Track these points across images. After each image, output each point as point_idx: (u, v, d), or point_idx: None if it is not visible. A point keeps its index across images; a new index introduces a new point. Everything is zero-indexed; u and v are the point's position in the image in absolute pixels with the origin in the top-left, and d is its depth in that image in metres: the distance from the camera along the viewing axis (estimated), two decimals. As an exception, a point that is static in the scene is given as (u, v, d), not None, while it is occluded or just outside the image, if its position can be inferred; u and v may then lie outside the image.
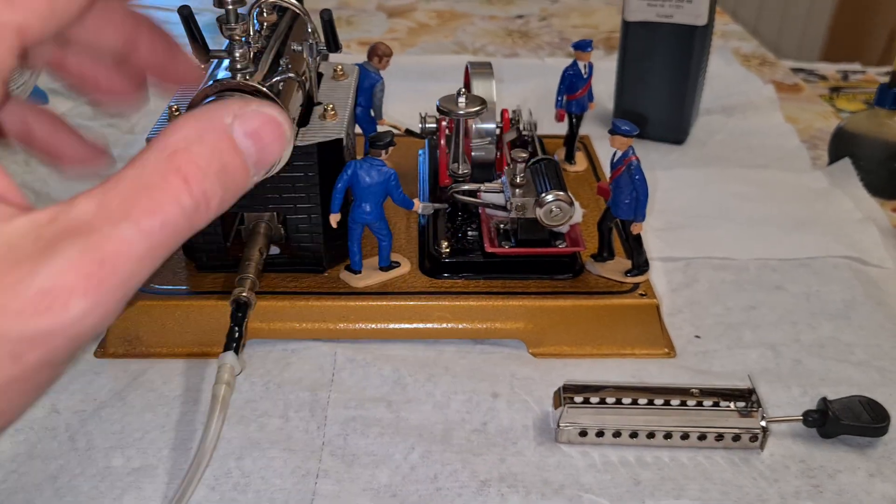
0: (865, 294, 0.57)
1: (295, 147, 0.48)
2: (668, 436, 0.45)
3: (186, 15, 0.46)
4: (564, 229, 0.53)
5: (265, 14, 0.53)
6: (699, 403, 0.45)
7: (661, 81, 0.76)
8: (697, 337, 0.54)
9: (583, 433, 0.45)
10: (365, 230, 0.52)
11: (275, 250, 0.54)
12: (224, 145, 0.26)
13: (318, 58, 0.54)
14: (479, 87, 0.58)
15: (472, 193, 0.55)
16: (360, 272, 0.53)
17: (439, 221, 0.57)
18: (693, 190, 0.71)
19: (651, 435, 0.45)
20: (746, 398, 0.45)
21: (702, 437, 0.45)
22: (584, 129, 0.70)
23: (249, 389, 0.48)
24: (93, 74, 0.36)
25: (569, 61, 0.66)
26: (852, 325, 0.55)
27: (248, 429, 0.46)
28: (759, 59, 1.04)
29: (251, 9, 0.50)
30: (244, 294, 0.47)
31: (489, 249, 0.53)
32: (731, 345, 0.53)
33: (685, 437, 0.45)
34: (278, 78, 0.48)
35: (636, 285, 0.53)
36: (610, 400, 0.45)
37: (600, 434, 0.45)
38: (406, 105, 0.78)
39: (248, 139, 0.26)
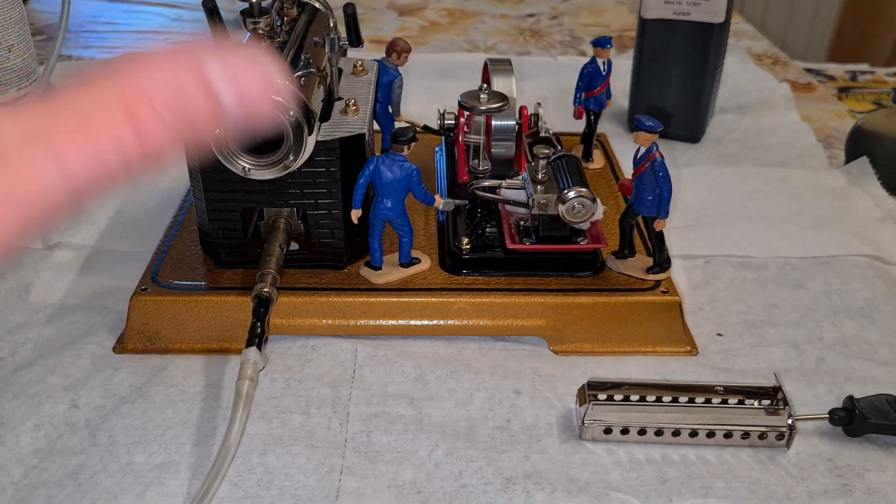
0: (888, 292, 0.57)
1: (317, 142, 0.48)
2: (693, 434, 0.44)
3: (211, 8, 0.46)
4: (585, 226, 0.53)
5: (285, 9, 0.52)
6: (724, 401, 0.45)
7: (677, 79, 0.76)
8: (719, 335, 0.53)
9: (607, 430, 0.45)
10: (385, 226, 0.52)
11: (294, 246, 0.54)
12: (191, 81, 0.21)
13: (338, 53, 0.54)
14: (499, 84, 0.58)
15: (493, 190, 0.55)
16: (380, 268, 0.53)
17: (458, 218, 0.56)
18: (710, 188, 0.70)
19: (677, 433, 0.44)
20: (772, 396, 0.45)
21: (728, 434, 0.45)
22: (600, 127, 0.69)
23: (270, 386, 0.48)
24: None
25: (581, 59, 0.66)
26: (875, 323, 0.55)
27: (270, 425, 0.45)
28: (772, 58, 1.04)
29: (273, 3, 0.49)
30: (266, 290, 0.46)
31: (510, 246, 0.53)
32: (754, 343, 0.53)
33: (711, 434, 0.45)
34: (300, 73, 0.48)
35: (658, 282, 0.53)
36: (634, 397, 0.45)
37: (625, 431, 0.45)
38: (422, 102, 0.78)
39: (226, 82, 0.22)
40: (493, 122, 0.57)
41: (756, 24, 1.37)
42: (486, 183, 0.55)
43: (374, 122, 0.62)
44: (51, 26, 1.09)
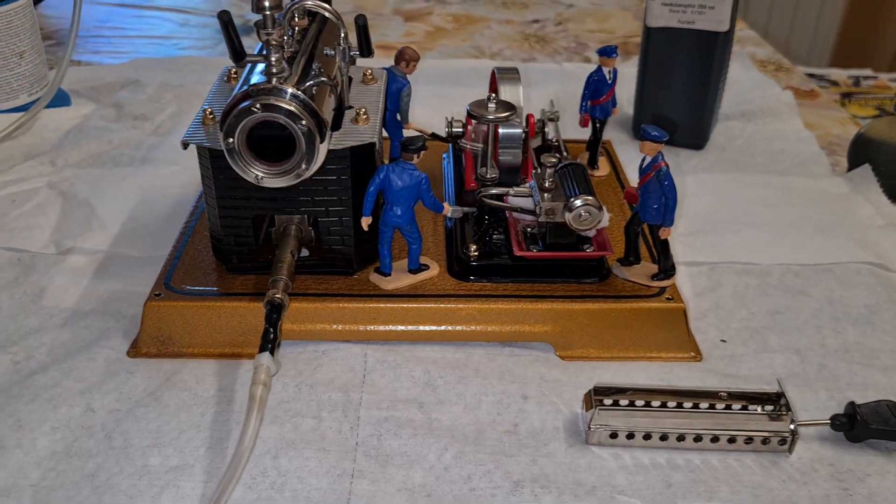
0: (889, 299, 0.58)
1: (329, 151, 0.49)
2: (698, 438, 0.45)
3: (226, 21, 0.47)
4: (591, 233, 0.54)
5: (297, 19, 0.53)
6: (728, 407, 0.46)
7: (681, 87, 0.76)
8: (723, 341, 0.54)
9: (613, 435, 0.46)
10: (394, 233, 0.53)
11: (304, 252, 0.54)
12: None
13: (349, 62, 0.55)
14: (506, 93, 0.59)
15: (500, 198, 0.56)
16: (389, 275, 0.54)
17: (466, 225, 0.57)
18: (714, 195, 0.71)
19: (681, 437, 0.45)
20: (775, 402, 0.46)
21: (731, 440, 0.45)
22: (605, 135, 0.70)
23: (282, 390, 0.49)
24: None
25: (586, 66, 0.67)
26: (876, 330, 0.55)
27: (282, 429, 0.46)
28: (775, 64, 1.05)
29: (286, 14, 0.50)
30: (278, 296, 0.47)
31: (518, 253, 0.53)
32: (758, 349, 0.53)
33: (715, 439, 0.45)
34: (311, 82, 0.49)
35: (663, 289, 0.54)
36: (640, 402, 0.46)
37: (630, 436, 0.45)
38: (429, 109, 0.79)
39: None
40: (500, 131, 0.58)
41: (759, 29, 1.38)
42: (494, 191, 0.56)
43: (384, 130, 0.63)
44: (59, 31, 1.10)
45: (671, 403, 0.46)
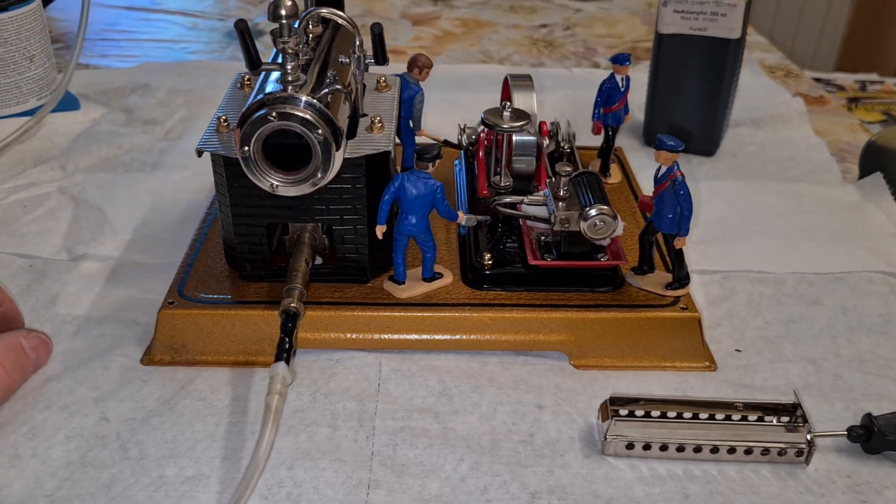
0: (903, 309, 0.58)
1: (344, 159, 0.49)
2: (714, 450, 0.45)
3: (242, 29, 0.47)
4: (605, 242, 0.54)
5: (311, 26, 0.53)
6: (744, 418, 0.45)
7: (693, 93, 0.76)
8: (738, 350, 0.54)
9: (629, 446, 0.45)
10: (408, 241, 0.53)
11: (318, 261, 0.54)
12: (18, 348, 0.48)
13: (363, 70, 0.55)
14: (519, 100, 0.59)
15: (514, 206, 0.56)
16: (403, 283, 0.54)
17: (480, 233, 0.57)
18: (726, 202, 0.71)
19: (698, 449, 0.45)
20: (791, 413, 0.46)
21: (748, 451, 0.45)
22: (617, 141, 0.70)
23: (297, 399, 0.49)
24: None
25: (595, 71, 0.67)
26: (890, 339, 0.55)
27: (297, 439, 0.46)
28: (784, 70, 1.05)
29: (301, 21, 0.50)
30: (293, 305, 0.47)
31: (532, 262, 0.53)
32: (773, 359, 0.53)
33: (731, 451, 0.45)
34: (326, 90, 0.49)
35: (677, 298, 0.53)
36: (656, 413, 0.46)
37: (647, 447, 0.45)
38: (440, 114, 0.79)
39: (32, 351, 0.49)
40: (514, 138, 0.58)
41: (765, 34, 1.38)
42: (508, 199, 0.56)
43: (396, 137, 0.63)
44: (66, 34, 1.10)
45: (687, 414, 0.46)
